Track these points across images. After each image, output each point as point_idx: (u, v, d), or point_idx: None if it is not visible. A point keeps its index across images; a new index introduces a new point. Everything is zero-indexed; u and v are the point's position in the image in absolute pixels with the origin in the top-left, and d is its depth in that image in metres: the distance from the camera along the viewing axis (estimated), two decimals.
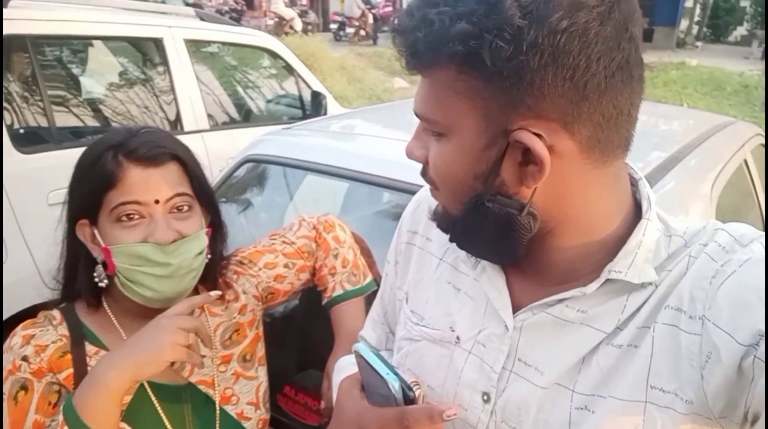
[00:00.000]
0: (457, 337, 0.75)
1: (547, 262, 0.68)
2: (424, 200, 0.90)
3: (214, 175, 3.17)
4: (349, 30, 15.89)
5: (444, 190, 0.68)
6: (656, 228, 0.67)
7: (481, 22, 0.54)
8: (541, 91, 0.56)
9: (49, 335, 0.95)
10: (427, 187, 0.91)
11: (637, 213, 0.68)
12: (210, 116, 3.36)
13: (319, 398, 1.23)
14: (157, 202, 0.94)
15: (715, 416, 0.58)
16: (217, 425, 1.05)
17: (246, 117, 3.91)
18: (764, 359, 0.52)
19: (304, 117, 3.94)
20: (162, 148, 0.96)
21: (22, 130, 2.55)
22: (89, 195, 0.95)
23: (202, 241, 1.01)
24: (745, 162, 2.00)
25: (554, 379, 0.66)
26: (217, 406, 1.05)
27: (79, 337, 0.97)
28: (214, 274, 1.09)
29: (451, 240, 0.73)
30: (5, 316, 2.35)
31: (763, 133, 2.40)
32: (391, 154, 1.55)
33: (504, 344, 0.70)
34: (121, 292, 0.97)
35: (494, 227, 0.64)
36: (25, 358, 0.92)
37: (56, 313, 1.00)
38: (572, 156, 0.60)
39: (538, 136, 0.58)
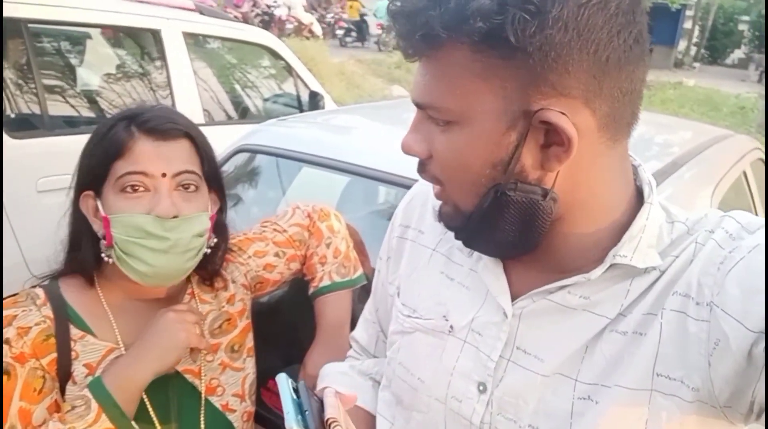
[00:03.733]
0: (451, 326, 0.73)
1: (551, 250, 0.66)
2: (418, 195, 0.88)
3: None
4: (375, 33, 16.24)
5: (454, 184, 0.64)
6: (658, 214, 0.66)
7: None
8: (565, 67, 0.54)
9: (32, 316, 0.91)
10: (422, 182, 0.89)
11: (638, 198, 0.66)
12: (206, 112, 3.32)
13: None
14: (164, 175, 0.92)
15: (720, 405, 0.56)
16: (202, 416, 1.01)
17: (243, 114, 3.88)
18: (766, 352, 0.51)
19: None
20: (175, 123, 0.96)
21: (13, 115, 2.50)
22: (97, 164, 0.93)
23: (204, 222, 0.98)
24: (744, 174, 1.98)
25: (555, 367, 0.64)
26: (202, 396, 1.02)
27: (63, 319, 0.93)
28: (213, 264, 1.06)
29: (461, 238, 0.69)
30: None
31: (762, 148, 2.39)
32: (389, 148, 1.52)
33: (502, 332, 0.68)
34: (114, 270, 0.95)
35: (516, 217, 0.62)
36: (6, 342, 0.88)
37: (39, 292, 0.95)
38: (590, 134, 0.58)
39: (562, 114, 0.56)
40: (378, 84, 11.81)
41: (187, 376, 1.01)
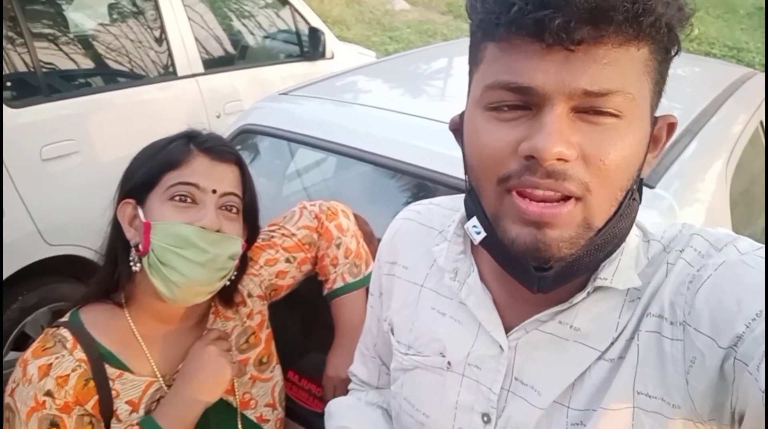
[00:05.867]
0: (449, 363, 0.75)
1: None
2: (399, 230, 0.87)
3: (210, 121, 3.13)
4: None
5: (607, 188, 0.56)
6: (635, 234, 0.67)
7: (684, 5, 0.55)
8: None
9: (66, 363, 0.92)
10: (401, 216, 0.88)
11: None
12: (204, 56, 3.21)
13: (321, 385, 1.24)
14: (214, 191, 0.96)
15: (704, 419, 0.59)
16: None
17: (242, 55, 3.76)
18: (746, 361, 0.53)
19: (302, 54, 3.81)
20: (229, 148, 1.03)
21: (9, 83, 2.44)
22: (149, 172, 0.97)
23: (238, 247, 1.00)
24: (761, 124, 1.92)
25: (552, 398, 0.67)
26: (238, 412, 1.06)
27: (98, 360, 0.94)
28: (234, 289, 1.09)
29: (545, 282, 0.60)
30: (9, 274, 2.35)
31: None
32: (389, 129, 1.49)
33: (501, 365, 0.70)
34: (142, 290, 0.97)
35: (628, 226, 0.62)
36: (48, 393, 0.89)
37: (67, 334, 0.94)
38: None
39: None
40: None
41: (222, 395, 1.04)
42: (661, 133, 0.62)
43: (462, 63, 0.68)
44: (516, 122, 0.56)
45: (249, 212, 1.05)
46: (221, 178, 0.98)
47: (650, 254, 0.66)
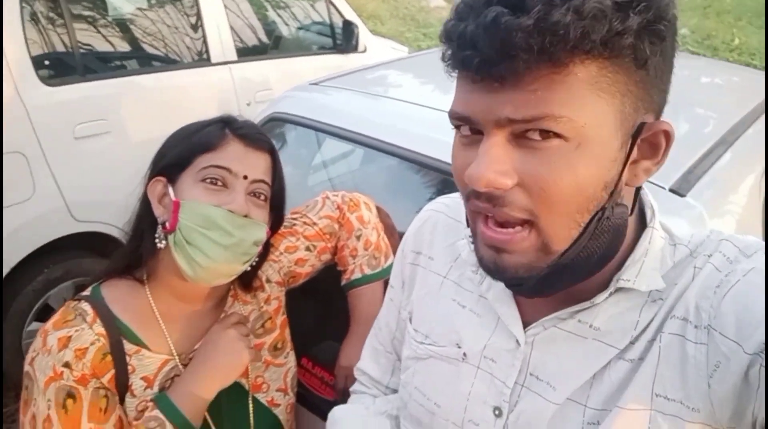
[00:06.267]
0: (464, 354, 0.75)
1: None
2: (428, 220, 0.87)
3: (241, 108, 3.15)
4: None
5: (556, 214, 0.56)
6: (661, 236, 0.66)
7: (641, 12, 0.52)
8: (668, 78, 0.58)
9: (86, 336, 0.93)
10: (430, 207, 0.87)
11: (641, 222, 0.67)
12: (238, 44, 3.24)
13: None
14: (245, 177, 0.97)
15: (723, 425, 0.58)
16: (251, 414, 1.07)
17: (275, 44, 3.78)
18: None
19: (335, 47, 3.82)
20: (264, 136, 1.03)
21: (47, 62, 2.49)
22: (183, 152, 0.98)
23: (263, 234, 1.01)
24: None
25: (567, 394, 0.66)
26: (249, 395, 1.07)
27: (116, 335, 0.95)
28: (254, 274, 1.10)
29: (524, 290, 0.63)
30: (36, 247, 2.41)
31: None
32: (417, 122, 1.49)
33: (516, 359, 0.70)
34: (165, 266, 0.98)
35: (608, 244, 0.60)
36: (66, 365, 0.90)
37: (87, 308, 0.96)
38: None
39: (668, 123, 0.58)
40: None
41: None
42: (657, 139, 0.59)
43: None
44: (472, 146, 0.59)
45: (276, 201, 1.06)
46: (253, 164, 0.98)
47: (676, 258, 0.65)
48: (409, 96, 1.67)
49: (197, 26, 3.08)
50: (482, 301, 0.75)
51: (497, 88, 0.54)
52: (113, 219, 2.57)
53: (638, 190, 0.65)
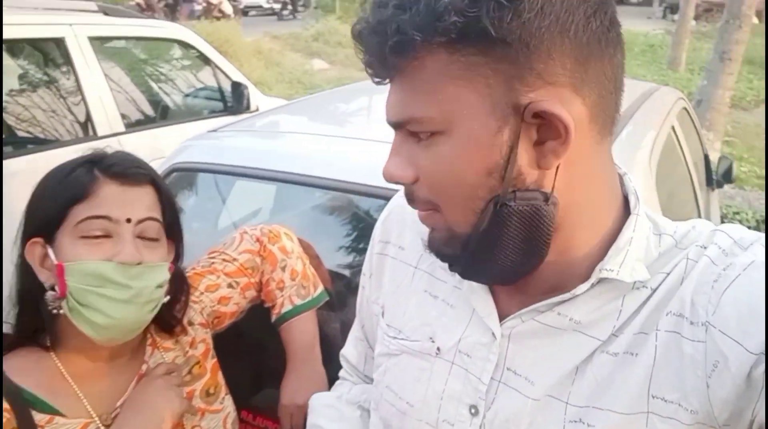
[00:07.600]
0: (438, 348, 0.71)
1: (542, 267, 0.61)
2: (395, 209, 0.84)
3: None
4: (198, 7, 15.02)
5: (450, 204, 0.59)
6: (645, 225, 0.63)
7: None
8: (549, 54, 0.52)
9: None
10: (399, 195, 0.85)
11: (624, 209, 0.64)
12: (124, 116, 3.14)
13: (278, 420, 1.17)
14: (128, 220, 0.87)
15: (719, 425, 0.56)
16: None
17: (163, 114, 3.69)
18: None
19: (226, 109, 3.78)
20: (141, 168, 0.92)
21: None
22: (53, 208, 0.87)
23: (165, 273, 0.92)
24: (673, 128, 2.04)
25: (546, 390, 0.63)
26: None
27: (22, 407, 0.84)
28: (171, 313, 1.00)
29: (458, 268, 0.64)
30: None
31: (685, 97, 2.46)
32: (323, 151, 1.48)
33: (492, 353, 0.66)
34: (68, 329, 0.87)
35: (519, 232, 0.57)
36: None
37: None
38: (583, 125, 0.55)
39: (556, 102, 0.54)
40: (297, 59, 11.55)
41: None
42: (553, 119, 0.53)
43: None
44: None
45: (172, 229, 0.97)
46: (135, 204, 0.89)
47: (662, 248, 0.62)
48: (306, 129, 1.67)
49: (78, 101, 2.95)
50: (456, 291, 0.72)
51: (390, 90, 0.59)
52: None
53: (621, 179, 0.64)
